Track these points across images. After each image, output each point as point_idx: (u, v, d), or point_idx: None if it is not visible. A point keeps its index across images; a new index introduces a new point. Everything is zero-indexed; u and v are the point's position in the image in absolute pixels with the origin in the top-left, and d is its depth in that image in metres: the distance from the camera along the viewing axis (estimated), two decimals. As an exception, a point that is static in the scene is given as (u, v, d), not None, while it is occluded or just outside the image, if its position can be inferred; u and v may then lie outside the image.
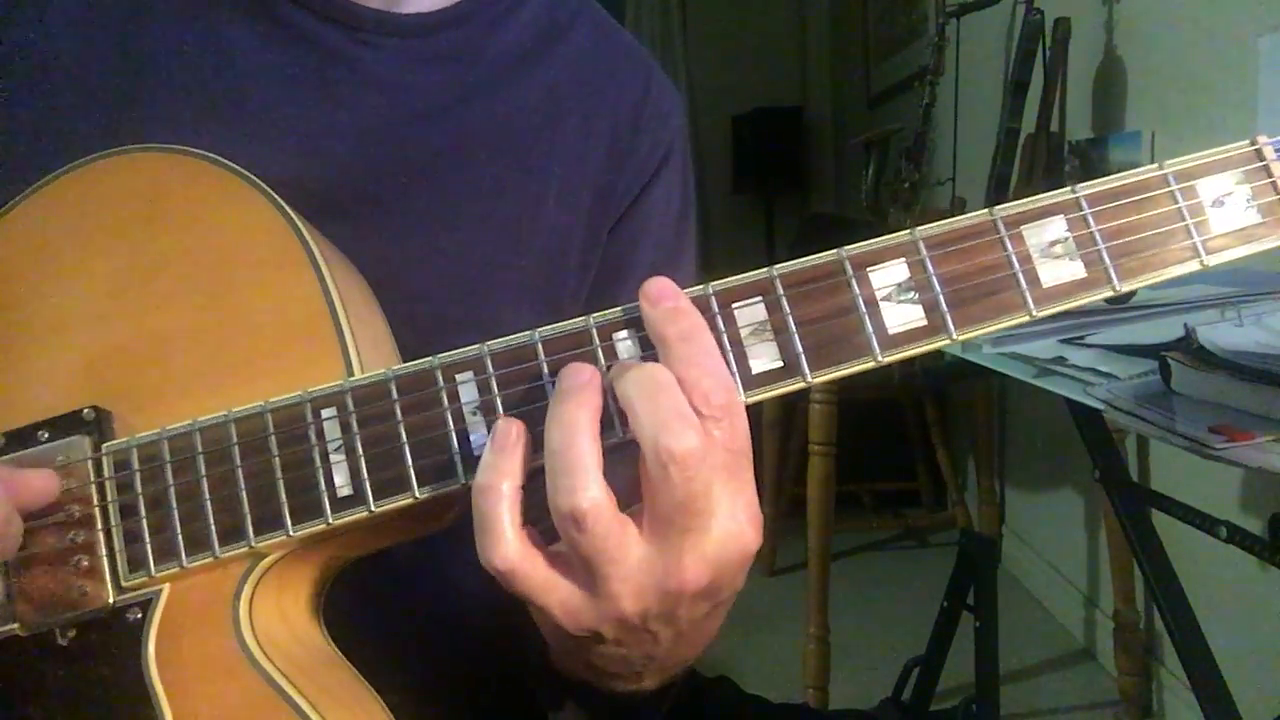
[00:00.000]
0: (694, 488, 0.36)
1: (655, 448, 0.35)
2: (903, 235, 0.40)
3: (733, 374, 0.39)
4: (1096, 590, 2.01)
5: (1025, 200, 0.40)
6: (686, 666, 0.46)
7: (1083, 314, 0.93)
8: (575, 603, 0.38)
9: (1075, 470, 2.05)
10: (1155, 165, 0.40)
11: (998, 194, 1.89)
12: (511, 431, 0.38)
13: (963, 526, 2.43)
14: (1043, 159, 1.82)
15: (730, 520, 0.38)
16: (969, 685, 1.31)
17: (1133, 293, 0.94)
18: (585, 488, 0.36)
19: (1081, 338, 0.93)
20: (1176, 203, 0.39)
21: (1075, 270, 0.39)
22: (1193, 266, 0.39)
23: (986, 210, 0.40)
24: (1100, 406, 0.81)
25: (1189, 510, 0.97)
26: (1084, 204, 0.39)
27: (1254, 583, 1.44)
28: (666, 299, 0.39)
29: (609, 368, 0.40)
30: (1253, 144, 0.40)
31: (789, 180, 3.99)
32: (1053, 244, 0.39)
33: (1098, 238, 0.39)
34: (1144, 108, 1.70)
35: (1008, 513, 2.48)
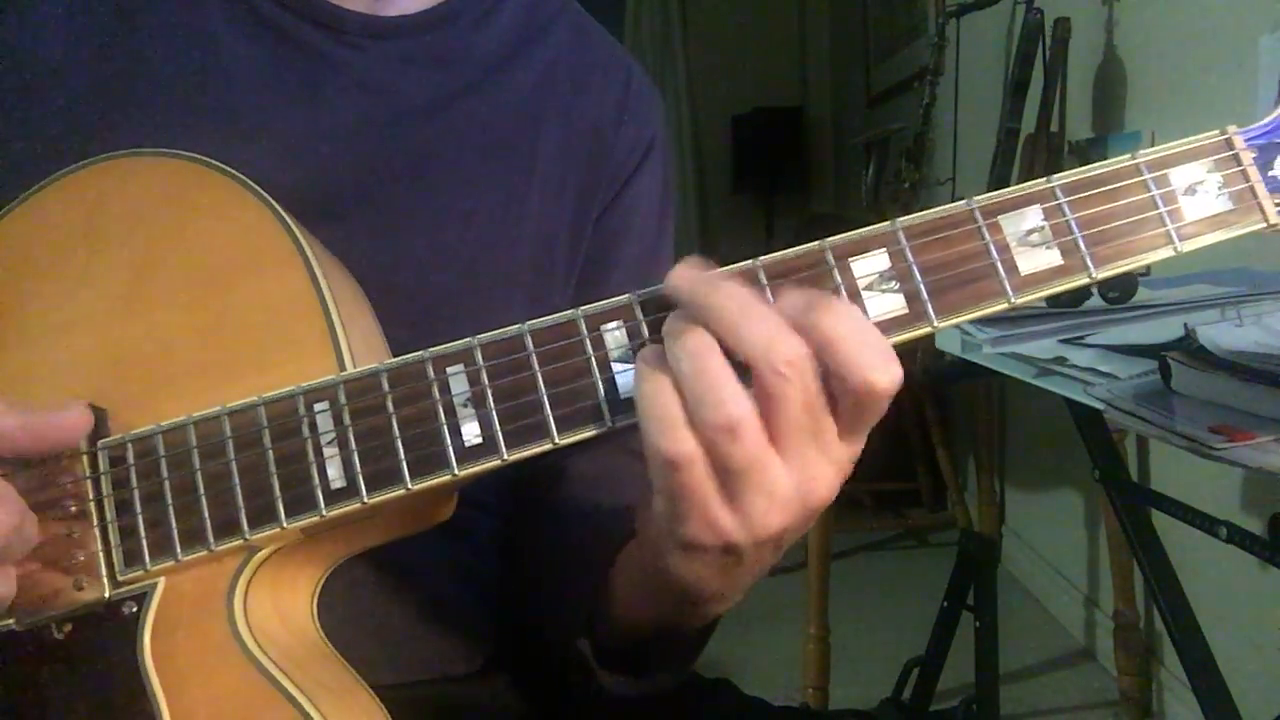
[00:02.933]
0: (813, 388, 0.37)
1: (769, 359, 0.36)
2: (884, 225, 0.41)
3: None
4: (1096, 590, 2.01)
5: (1002, 191, 0.41)
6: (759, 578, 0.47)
7: (1083, 314, 0.93)
8: (724, 521, 0.38)
9: (1075, 470, 2.05)
10: (1128, 155, 0.41)
11: (998, 194, 1.89)
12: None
13: (963, 526, 2.43)
14: (1043, 159, 1.82)
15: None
16: (969, 685, 1.31)
17: (1132, 291, 0.94)
18: (735, 398, 0.36)
19: (1081, 338, 0.93)
20: (1150, 191, 0.40)
21: (1052, 258, 0.40)
22: (1166, 253, 0.40)
23: (964, 200, 0.40)
24: (1100, 406, 0.80)
25: (1189, 510, 0.96)
26: (1059, 193, 0.40)
27: (1254, 583, 1.44)
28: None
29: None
30: (1223, 134, 0.41)
31: (789, 180, 3.99)
32: (1030, 233, 0.40)
33: (1073, 226, 0.40)
34: (1144, 108, 1.70)
35: (1008, 513, 2.48)
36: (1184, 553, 1.13)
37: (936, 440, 2.51)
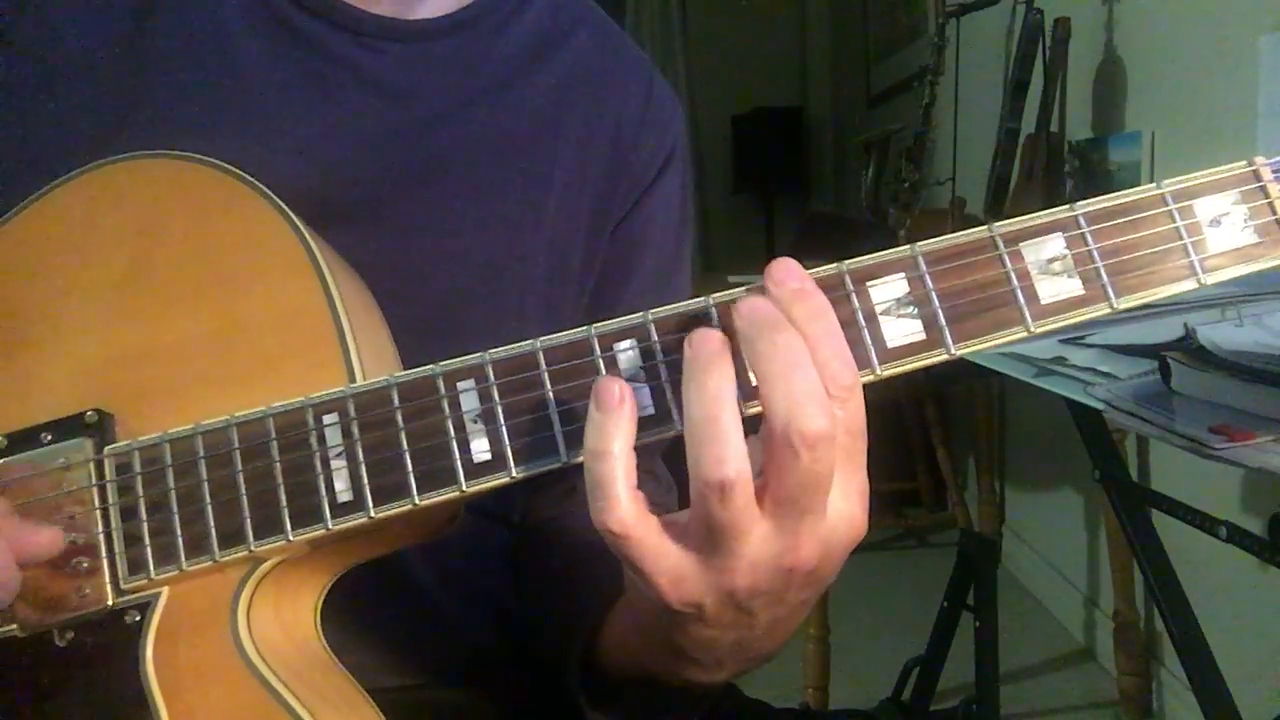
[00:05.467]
0: (819, 469, 0.35)
1: (787, 429, 0.35)
2: (902, 250, 0.40)
3: None
4: (1096, 590, 2.01)
5: (1024, 217, 0.40)
6: (762, 661, 0.45)
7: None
8: (684, 571, 0.37)
9: (1075, 470, 2.05)
10: (1153, 185, 0.40)
11: (998, 194, 1.89)
12: (614, 390, 0.37)
13: (963, 526, 2.43)
14: (1043, 159, 1.82)
15: (844, 501, 0.37)
16: (969, 685, 1.31)
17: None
18: (732, 459, 0.35)
19: (1081, 338, 0.93)
20: (1174, 222, 0.40)
21: (1073, 287, 0.39)
22: (1190, 285, 0.39)
23: (985, 227, 0.40)
24: (1100, 406, 0.80)
25: (1189, 510, 0.97)
26: (1082, 222, 0.40)
27: (1254, 583, 1.44)
28: (792, 279, 0.38)
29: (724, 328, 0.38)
30: (1250, 165, 0.40)
31: (789, 180, 3.99)
32: (1051, 261, 0.40)
33: (1095, 255, 0.39)
34: (1144, 108, 1.70)
35: (1008, 513, 2.49)
36: (1184, 553, 1.13)
37: (936, 440, 2.51)
